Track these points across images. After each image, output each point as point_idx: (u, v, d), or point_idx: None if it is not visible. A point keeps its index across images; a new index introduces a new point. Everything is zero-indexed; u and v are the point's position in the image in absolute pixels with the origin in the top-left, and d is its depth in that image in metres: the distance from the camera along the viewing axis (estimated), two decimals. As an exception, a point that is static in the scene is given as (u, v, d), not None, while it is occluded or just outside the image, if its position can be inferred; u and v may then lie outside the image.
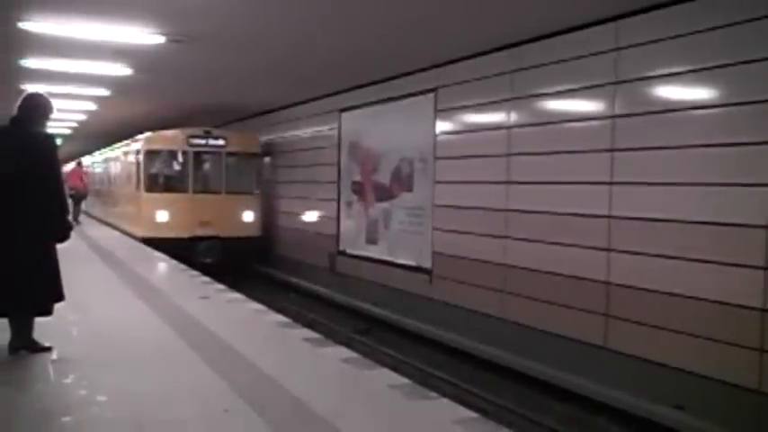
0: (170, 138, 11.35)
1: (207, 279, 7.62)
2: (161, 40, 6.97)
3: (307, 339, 4.89)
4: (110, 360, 4.26)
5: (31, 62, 8.43)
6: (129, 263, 8.65)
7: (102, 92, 11.13)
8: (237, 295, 6.65)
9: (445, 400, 3.66)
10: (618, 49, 4.81)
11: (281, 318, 5.69)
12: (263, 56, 7.64)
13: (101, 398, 3.48)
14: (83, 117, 15.18)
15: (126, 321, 5.37)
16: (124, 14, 6.27)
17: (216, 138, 11.75)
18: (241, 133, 12.81)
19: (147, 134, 11.80)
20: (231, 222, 11.42)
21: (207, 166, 12.43)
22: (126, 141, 14.46)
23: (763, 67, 3.89)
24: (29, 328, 4.36)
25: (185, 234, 10.89)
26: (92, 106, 13.21)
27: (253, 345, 4.69)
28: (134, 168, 12.54)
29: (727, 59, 4.18)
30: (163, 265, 8.83)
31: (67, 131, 18.54)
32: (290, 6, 5.70)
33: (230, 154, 11.89)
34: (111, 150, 17.71)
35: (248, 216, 11.80)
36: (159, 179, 11.73)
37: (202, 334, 5.02)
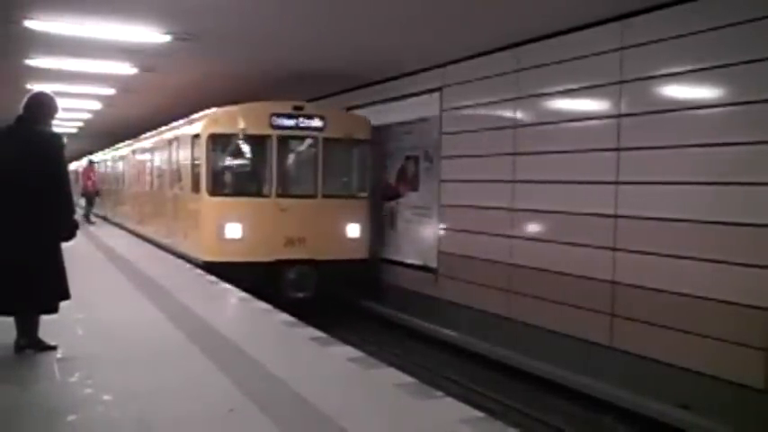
0: (245, 116, 11.86)
1: (213, 278, 10.80)
2: (167, 38, 10.24)
3: (313, 338, 6.92)
4: (115, 359, 6.04)
5: (37, 61, 12.26)
6: (133, 261, 12.83)
7: (109, 91, 15.89)
8: (243, 294, 9.49)
9: (451, 400, 5.13)
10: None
11: (286, 317, 8.05)
12: (269, 54, 11.36)
13: (106, 397, 4.94)
14: (89, 116, 21.58)
15: (131, 320, 7.70)
16: (130, 13, 9.12)
17: (310, 117, 12.18)
18: (344, 112, 13.17)
19: (212, 111, 12.29)
20: (330, 239, 12.11)
21: (297, 157, 12.61)
22: (173, 125, 15.02)
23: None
24: (34, 326, 6.12)
25: (266, 257, 11.55)
26: (98, 105, 18.81)
27: (259, 344, 6.64)
28: (187, 162, 12.88)
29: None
30: (168, 263, 12.77)
31: (74, 130, 26.67)
32: (296, 4, 8.45)
33: (330, 140, 12.28)
34: (141, 141, 18.74)
35: (353, 230, 12.56)
36: (229, 177, 12.21)
37: (208, 333, 7.10)
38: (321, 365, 6.14)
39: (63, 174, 6.14)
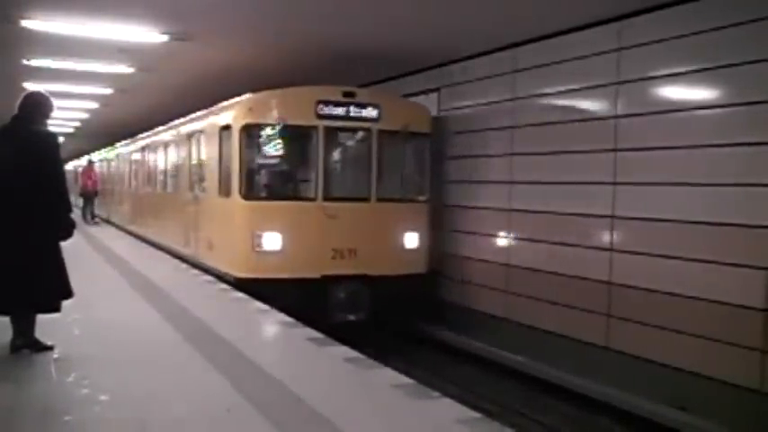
0: (286, 103, 9.99)
1: (210, 278, 10.58)
2: (164, 38, 10.24)
3: (310, 339, 6.85)
4: (112, 359, 6.05)
5: (34, 61, 12.22)
6: (131, 261, 12.59)
7: (106, 90, 15.84)
8: (240, 294, 9.28)
9: (448, 400, 5.05)
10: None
11: (283, 317, 7.89)
12: (267, 53, 11.00)
13: (103, 397, 4.94)
14: (86, 116, 21.72)
15: (128, 321, 7.73)
16: (128, 13, 9.18)
17: (363, 105, 10.33)
18: (401, 99, 11.32)
19: (245, 97, 10.33)
20: (385, 251, 10.37)
21: (346, 153, 10.93)
22: (192, 116, 13.16)
23: None
24: (31, 326, 6.15)
25: (311, 272, 9.82)
26: (95, 105, 18.81)
27: (256, 344, 6.71)
28: (212, 159, 11.19)
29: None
30: (166, 264, 12.48)
31: (71, 130, 26.84)
32: (294, 3, 8.37)
33: (385, 133, 10.48)
34: (152, 137, 16.85)
35: (412, 240, 10.70)
36: (266, 177, 10.36)
37: (205, 333, 7.06)
38: (318, 366, 6.20)
39: (59, 173, 6.18)
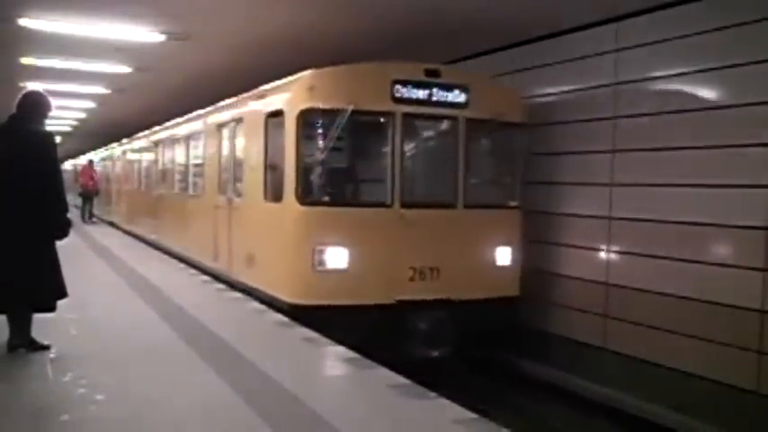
0: (356, 83, 7.90)
1: (206, 278, 10.40)
2: (161, 38, 10.11)
3: (306, 339, 6.76)
4: (109, 359, 5.96)
5: (31, 60, 12.17)
6: (126, 260, 12.09)
7: (103, 90, 15.71)
8: (237, 294, 9.06)
9: (445, 401, 5.00)
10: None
11: (280, 317, 7.68)
12: (265, 54, 10.71)
13: (99, 397, 4.90)
14: (83, 115, 21.82)
15: (125, 320, 7.56)
16: (125, 12, 8.95)
17: (449, 87, 8.21)
18: (491, 81, 9.25)
19: (305, 74, 8.03)
20: (473, 270, 8.35)
21: (428, 147, 9.00)
22: (223, 104, 10.98)
23: None
24: (27, 325, 6.07)
25: (384, 297, 7.88)
26: (92, 104, 18.68)
27: (253, 344, 6.52)
28: (254, 155, 9.02)
29: None
30: (164, 264, 11.94)
31: (68, 129, 26.98)
32: (291, 6, 8.33)
33: (474, 123, 8.36)
34: (168, 130, 14.85)
35: (503, 255, 8.65)
36: (330, 176, 8.21)
37: (202, 333, 6.96)
38: (316, 366, 6.13)
39: (56, 172, 6.15)
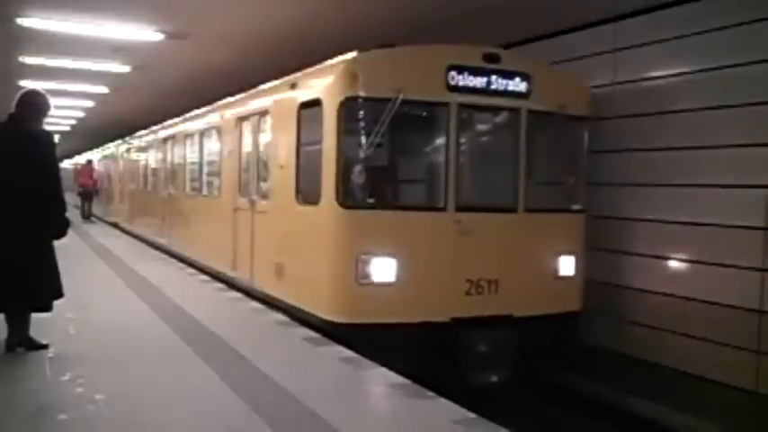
0: (409, 67, 6.90)
1: (205, 278, 10.40)
2: (159, 37, 10.14)
3: (306, 338, 6.69)
4: (107, 358, 5.93)
5: (30, 59, 12.21)
6: (127, 260, 12.08)
7: (101, 89, 15.91)
8: (236, 294, 8.99)
9: (443, 401, 5.08)
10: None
11: (279, 316, 7.66)
12: (264, 52, 10.73)
13: (98, 396, 4.87)
14: (82, 114, 21.96)
15: (124, 320, 7.49)
16: (123, 11, 8.99)
17: (510, 74, 7.18)
18: (554, 69, 8.30)
19: (348, 59, 6.96)
20: (535, 282, 7.36)
21: (485, 142, 7.97)
22: (251, 92, 9.74)
23: None
24: (26, 324, 6.02)
25: (438, 314, 6.89)
26: (90, 103, 18.93)
27: (252, 343, 6.49)
28: (287, 149, 7.91)
29: None
30: (162, 263, 11.97)
31: (67, 128, 27.17)
32: (290, 4, 8.44)
33: (537, 115, 7.35)
34: (179, 125, 13.59)
35: (567, 265, 7.64)
36: (376, 176, 7.22)
37: (201, 333, 6.94)
38: (314, 365, 6.04)
39: (54, 172, 6.07)
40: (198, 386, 5.32)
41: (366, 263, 6.78)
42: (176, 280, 10.53)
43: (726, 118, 7.12)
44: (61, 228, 6.10)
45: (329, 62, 7.26)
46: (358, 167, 6.96)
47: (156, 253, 14.14)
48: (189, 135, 13.04)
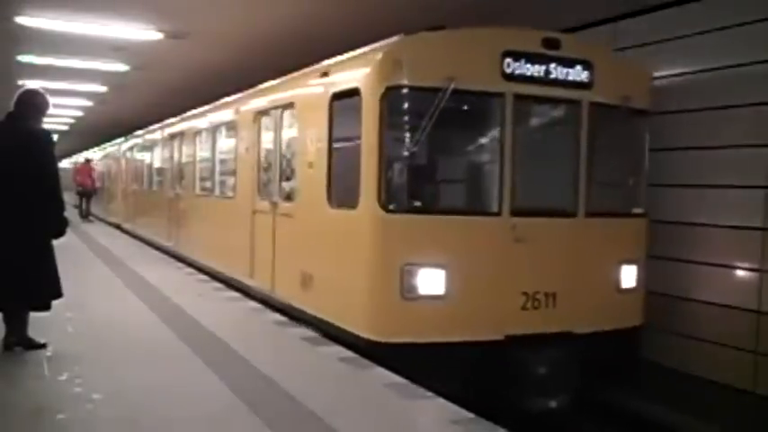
0: (460, 53, 6.09)
1: (203, 277, 10.36)
2: (158, 36, 10.13)
3: (304, 338, 6.68)
4: (105, 358, 5.93)
5: (28, 58, 12.25)
6: (125, 260, 12.10)
7: (100, 88, 15.99)
8: (234, 293, 9.05)
9: (441, 401, 5.03)
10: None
11: (277, 316, 7.65)
12: (264, 51, 10.74)
13: (96, 395, 4.89)
14: (80, 113, 22.01)
15: (122, 319, 7.52)
16: (122, 10, 8.96)
17: (570, 62, 6.40)
18: (616, 58, 7.45)
19: (391, 43, 6.19)
20: (595, 294, 6.59)
21: (542, 138, 7.06)
22: (273, 83, 8.84)
23: None
24: (24, 324, 6.01)
25: (490, 332, 6.11)
26: (89, 102, 19.02)
27: (250, 343, 6.44)
28: (316, 146, 7.07)
29: None
30: (160, 263, 12.00)
31: (65, 127, 27.14)
32: (288, 4, 8.41)
33: (599, 108, 6.56)
34: (194, 118, 12.59)
35: (629, 276, 6.86)
36: (421, 176, 6.45)
37: (199, 332, 6.92)
38: (312, 365, 6.03)
39: (53, 171, 6.03)
40: (196, 386, 5.30)
41: (412, 274, 5.99)
42: (174, 279, 10.55)
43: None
44: (60, 227, 6.06)
45: (370, 47, 6.43)
46: (402, 166, 6.14)
47: (157, 254, 13.86)
48: (199, 132, 12.18)
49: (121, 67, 13.05)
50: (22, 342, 6.05)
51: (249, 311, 8.14)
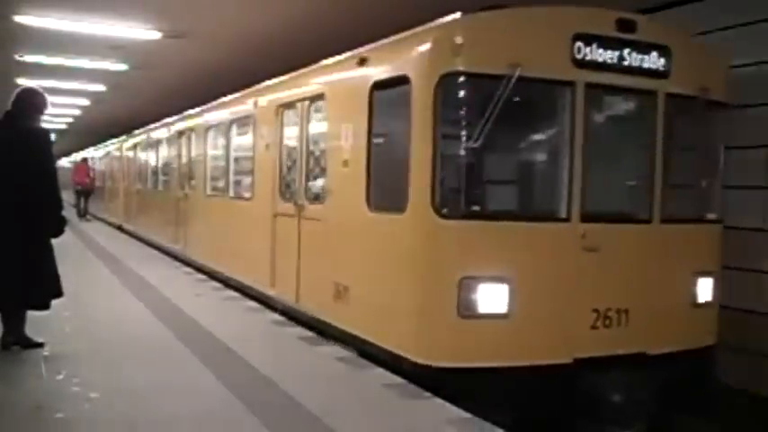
0: (526, 35, 5.33)
1: (201, 276, 10.47)
2: (157, 35, 10.15)
3: (302, 338, 6.83)
4: (103, 357, 5.97)
5: (27, 57, 12.25)
6: (123, 259, 12.13)
7: (98, 87, 16.05)
8: (232, 293, 9.06)
9: (439, 401, 4.98)
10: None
11: (276, 316, 7.67)
12: (263, 51, 10.77)
13: (93, 394, 4.99)
14: (78, 112, 22.14)
15: (119, 318, 7.57)
16: (120, 10, 8.99)
17: (645, 48, 5.61)
18: (693, 43, 6.42)
19: (449, 22, 5.38)
20: (668, 310, 5.84)
21: (611, 135, 6.22)
22: (298, 73, 7.97)
23: None
24: (21, 323, 5.99)
25: (557, 355, 5.37)
26: (87, 102, 19.24)
27: (248, 343, 6.60)
28: (351, 142, 6.31)
29: None
30: (158, 262, 12.10)
31: (63, 126, 27.06)
32: (287, 4, 8.39)
33: (676, 100, 5.81)
34: (205, 113, 11.59)
35: (705, 289, 6.11)
36: (479, 176, 5.68)
37: (197, 332, 6.96)
38: (310, 365, 6.02)
39: (50, 170, 6.04)
40: (193, 385, 5.30)
41: (471, 289, 5.22)
42: (171, 278, 10.58)
43: None
44: (59, 226, 6.09)
45: (420, 29, 5.63)
46: (459, 165, 5.34)
47: (155, 253, 13.80)
48: (210, 127, 11.33)
49: (120, 66, 13.06)
50: (19, 341, 6.00)
51: (247, 311, 8.14)
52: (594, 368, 5.49)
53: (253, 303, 8.42)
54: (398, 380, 5.40)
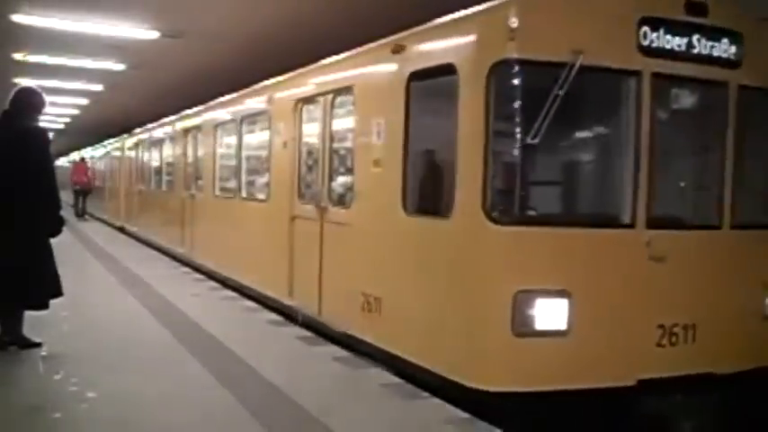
0: (585, 21, 4.78)
1: (199, 276, 10.55)
2: (155, 35, 10.24)
3: (300, 338, 6.82)
4: (101, 357, 6.05)
5: (24, 56, 12.23)
6: (121, 258, 12.20)
7: (96, 87, 16.09)
8: (230, 293, 9.11)
9: (437, 401, 4.98)
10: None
11: (273, 316, 7.77)
12: (261, 51, 10.70)
13: (91, 395, 4.96)
14: (76, 112, 22.51)
15: (117, 318, 7.56)
16: (118, 9, 9.05)
17: (715, 34, 5.09)
18: (762, 27, 5.59)
19: (499, 4, 4.89)
20: (738, 325, 5.30)
21: (678, 130, 5.58)
22: (321, 64, 7.39)
23: None
24: (19, 323, 6.01)
25: (620, 377, 4.84)
26: (85, 101, 19.40)
27: (246, 343, 6.59)
28: (384, 139, 5.77)
29: None
30: (157, 262, 12.20)
31: (61, 126, 27.23)
32: (285, 5, 8.53)
33: (749, 93, 5.27)
34: (216, 108, 10.97)
35: None
36: (536, 177, 5.13)
37: (195, 332, 7.09)
38: (308, 365, 6.02)
39: (48, 169, 6.05)
40: (191, 384, 5.30)
41: (528, 304, 4.64)
42: (170, 277, 10.65)
43: None
44: (57, 226, 6.11)
45: (467, 12, 5.04)
46: (514, 164, 4.74)
47: (154, 252, 13.75)
48: (219, 125, 10.71)
49: (117, 65, 13.11)
50: (16, 341, 6.00)
51: (245, 310, 8.17)
52: (659, 391, 4.93)
53: (250, 303, 8.42)
54: (396, 380, 5.39)
